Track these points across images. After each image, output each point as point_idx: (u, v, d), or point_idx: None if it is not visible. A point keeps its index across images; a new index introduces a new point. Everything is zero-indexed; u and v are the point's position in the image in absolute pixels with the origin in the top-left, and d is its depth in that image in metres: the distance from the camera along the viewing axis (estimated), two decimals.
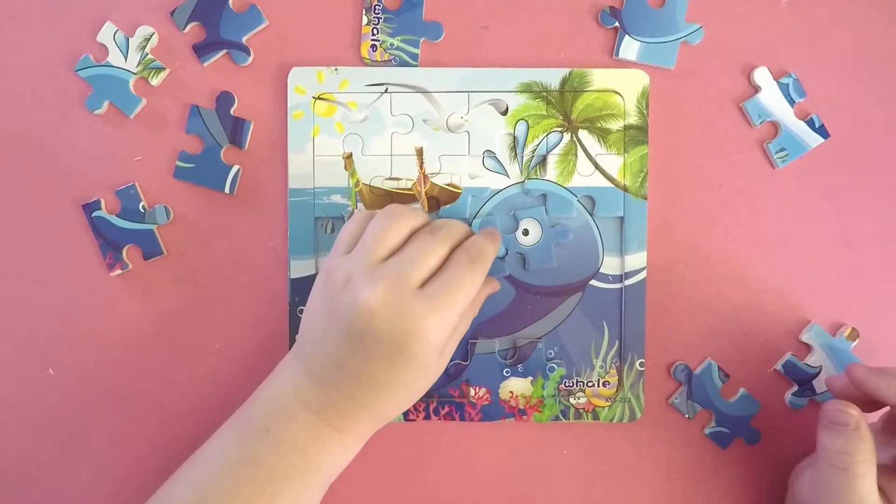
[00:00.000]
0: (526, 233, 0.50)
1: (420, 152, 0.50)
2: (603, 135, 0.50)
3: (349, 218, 0.49)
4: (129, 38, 0.50)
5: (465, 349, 0.51)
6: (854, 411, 0.42)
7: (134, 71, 0.50)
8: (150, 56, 0.50)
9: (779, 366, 0.51)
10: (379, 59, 0.50)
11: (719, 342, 0.51)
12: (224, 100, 0.50)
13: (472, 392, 0.51)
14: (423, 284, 0.42)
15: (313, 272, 0.50)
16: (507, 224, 0.50)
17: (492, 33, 0.51)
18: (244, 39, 0.50)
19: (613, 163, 0.50)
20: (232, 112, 0.50)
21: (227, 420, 0.45)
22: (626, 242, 0.50)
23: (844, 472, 0.42)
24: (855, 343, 0.50)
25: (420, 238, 0.43)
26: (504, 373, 0.51)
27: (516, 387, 0.51)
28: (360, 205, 0.50)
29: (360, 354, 0.42)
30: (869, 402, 0.44)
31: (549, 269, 0.50)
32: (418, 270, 0.42)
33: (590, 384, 0.51)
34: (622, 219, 0.50)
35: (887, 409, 0.45)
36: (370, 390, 0.42)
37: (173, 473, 0.45)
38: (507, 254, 0.50)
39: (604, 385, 0.51)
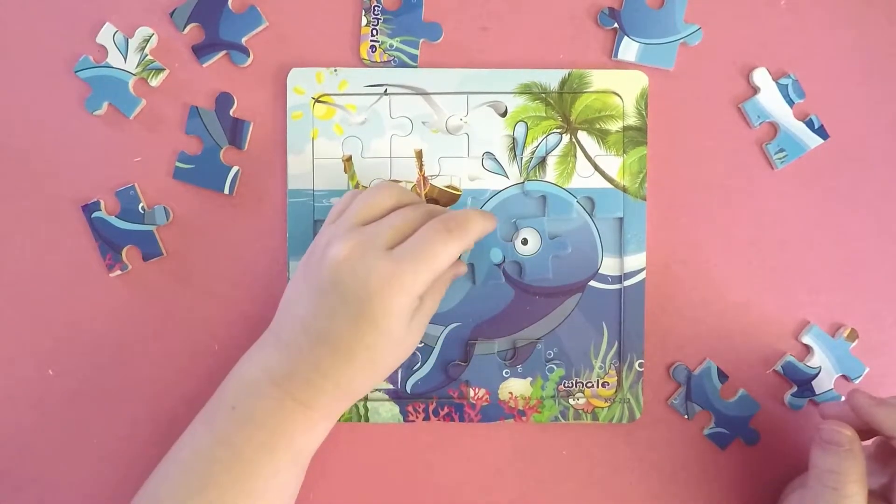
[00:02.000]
0: (525, 242, 0.50)
1: (419, 154, 0.50)
2: (602, 136, 0.50)
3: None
4: (129, 39, 0.50)
5: (465, 350, 0.51)
6: (848, 432, 0.42)
7: (133, 72, 0.50)
8: (149, 57, 0.50)
9: (778, 367, 0.51)
10: (378, 60, 0.50)
11: (718, 343, 0.51)
12: (223, 101, 0.50)
13: (472, 393, 0.51)
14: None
15: None
16: (506, 231, 0.50)
17: (491, 34, 0.51)
18: (243, 40, 0.50)
19: (613, 164, 0.50)
20: (231, 113, 0.50)
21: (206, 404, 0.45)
22: (626, 243, 0.50)
23: (835, 491, 0.41)
24: (854, 344, 0.50)
25: (403, 209, 0.44)
26: (503, 374, 0.51)
27: (516, 388, 0.51)
28: None
29: (325, 313, 0.41)
30: (863, 430, 0.44)
31: (545, 279, 0.50)
32: (390, 233, 0.42)
33: (589, 385, 0.51)
34: (621, 220, 0.50)
35: (880, 436, 0.45)
36: (333, 355, 0.42)
37: (156, 466, 0.45)
38: (504, 261, 0.50)
39: (603, 386, 0.51)
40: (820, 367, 0.50)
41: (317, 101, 0.50)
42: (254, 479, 0.42)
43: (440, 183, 0.50)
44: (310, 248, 0.45)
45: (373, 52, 0.50)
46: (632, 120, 0.50)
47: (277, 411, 0.42)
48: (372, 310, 0.41)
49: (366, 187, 0.50)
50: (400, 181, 0.50)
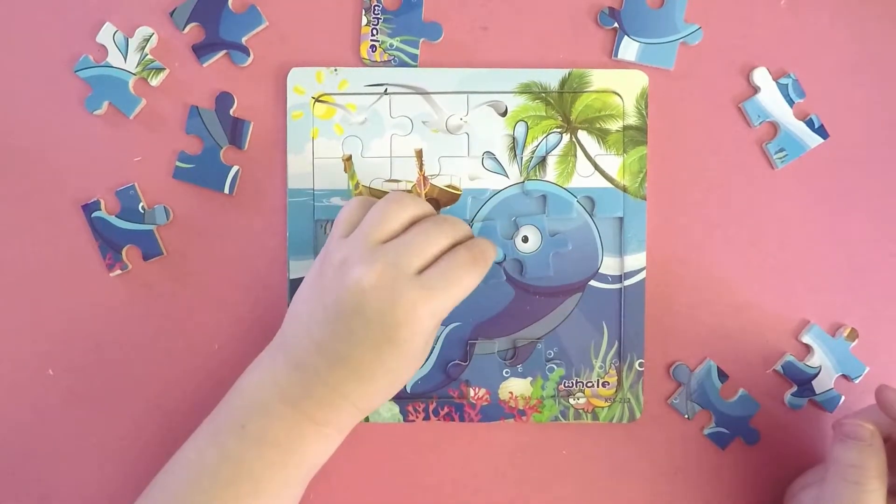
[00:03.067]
0: (525, 240, 0.50)
1: (420, 154, 0.50)
2: (602, 135, 0.50)
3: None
4: (129, 39, 0.50)
5: (465, 350, 0.51)
6: (870, 426, 0.43)
7: (133, 71, 0.50)
8: (149, 56, 0.50)
9: (778, 366, 0.51)
10: (378, 60, 0.50)
11: (719, 342, 0.51)
12: (223, 100, 0.50)
13: (472, 393, 0.51)
14: (421, 272, 0.42)
15: None
16: (506, 229, 0.50)
17: (491, 34, 0.51)
18: (244, 40, 0.50)
19: (613, 163, 0.50)
20: (231, 112, 0.50)
21: (207, 417, 0.45)
22: (626, 243, 0.50)
23: (856, 485, 0.42)
24: (854, 343, 0.50)
25: (423, 225, 0.43)
26: (503, 373, 0.51)
27: (516, 387, 0.51)
28: None
29: (345, 337, 0.41)
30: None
31: (546, 276, 0.50)
32: (417, 256, 0.41)
33: (589, 385, 0.51)
34: (622, 219, 0.50)
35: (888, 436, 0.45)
36: (352, 378, 0.41)
37: (154, 477, 0.44)
38: (504, 259, 0.50)
39: (603, 385, 0.51)
40: (820, 366, 0.50)
41: (317, 100, 0.50)
42: (261, 494, 0.42)
43: (440, 182, 0.50)
44: (320, 262, 0.44)
45: (373, 51, 0.50)
46: (632, 119, 0.50)
47: (292, 431, 0.42)
48: (398, 335, 0.41)
49: (366, 187, 0.50)
50: (400, 181, 0.50)
